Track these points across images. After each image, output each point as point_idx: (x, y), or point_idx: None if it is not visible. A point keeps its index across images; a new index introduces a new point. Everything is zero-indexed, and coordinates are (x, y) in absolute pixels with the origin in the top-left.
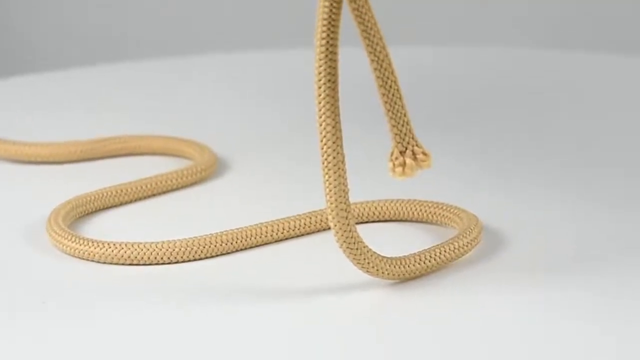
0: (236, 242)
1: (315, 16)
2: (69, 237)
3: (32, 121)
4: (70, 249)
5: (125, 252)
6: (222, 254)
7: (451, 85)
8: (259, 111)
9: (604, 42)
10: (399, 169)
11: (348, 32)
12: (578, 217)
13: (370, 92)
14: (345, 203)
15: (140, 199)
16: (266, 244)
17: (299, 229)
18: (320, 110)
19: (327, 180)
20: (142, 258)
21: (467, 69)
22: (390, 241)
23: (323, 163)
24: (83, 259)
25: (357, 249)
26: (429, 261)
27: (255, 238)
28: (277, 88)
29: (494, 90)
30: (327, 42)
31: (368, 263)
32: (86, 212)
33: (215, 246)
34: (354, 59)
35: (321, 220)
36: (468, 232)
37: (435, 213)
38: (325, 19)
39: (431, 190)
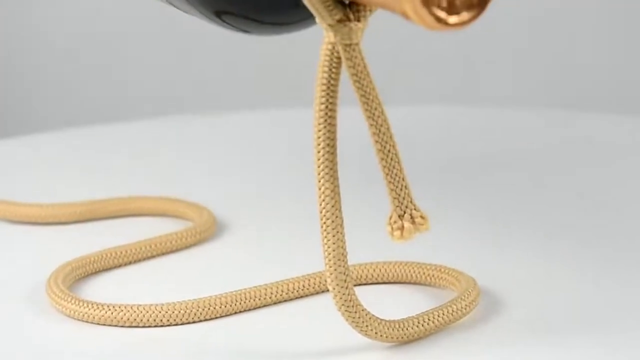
0: (235, 304)
1: (314, 76)
2: (69, 299)
3: (31, 182)
4: (70, 311)
5: (125, 314)
6: (221, 316)
7: (449, 146)
8: (258, 172)
9: (608, 102)
10: (397, 233)
11: (347, 92)
12: (578, 281)
13: (369, 154)
14: (343, 266)
15: (139, 260)
16: (265, 306)
17: (297, 291)
18: (319, 174)
19: (326, 243)
20: (142, 320)
21: (465, 129)
22: (388, 303)
23: (322, 226)
24: (83, 321)
25: (355, 311)
26: (427, 324)
27: (254, 300)
28: (276, 148)
29: (493, 152)
30: (327, 106)
31: (366, 326)
32: (86, 273)
33: (215, 308)
34: (352, 120)
35: (320, 283)
36: (466, 295)
37: (433, 275)
38: (324, 84)
39: (429, 252)
